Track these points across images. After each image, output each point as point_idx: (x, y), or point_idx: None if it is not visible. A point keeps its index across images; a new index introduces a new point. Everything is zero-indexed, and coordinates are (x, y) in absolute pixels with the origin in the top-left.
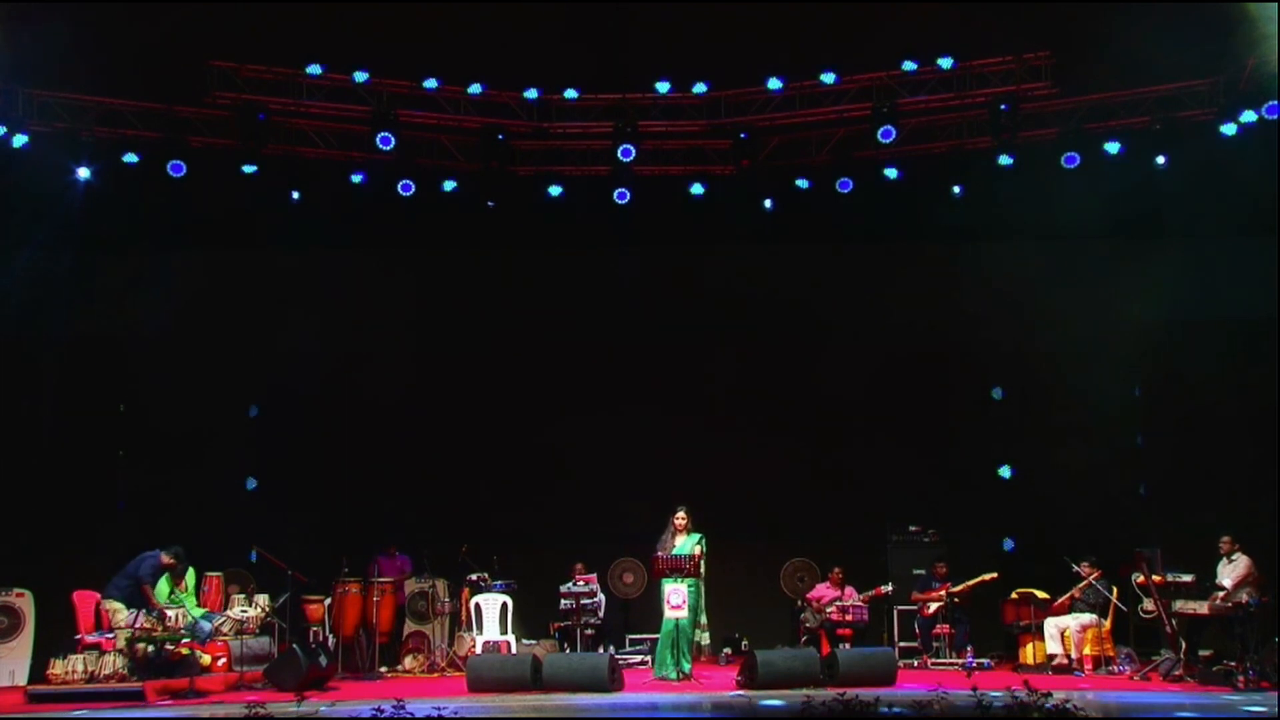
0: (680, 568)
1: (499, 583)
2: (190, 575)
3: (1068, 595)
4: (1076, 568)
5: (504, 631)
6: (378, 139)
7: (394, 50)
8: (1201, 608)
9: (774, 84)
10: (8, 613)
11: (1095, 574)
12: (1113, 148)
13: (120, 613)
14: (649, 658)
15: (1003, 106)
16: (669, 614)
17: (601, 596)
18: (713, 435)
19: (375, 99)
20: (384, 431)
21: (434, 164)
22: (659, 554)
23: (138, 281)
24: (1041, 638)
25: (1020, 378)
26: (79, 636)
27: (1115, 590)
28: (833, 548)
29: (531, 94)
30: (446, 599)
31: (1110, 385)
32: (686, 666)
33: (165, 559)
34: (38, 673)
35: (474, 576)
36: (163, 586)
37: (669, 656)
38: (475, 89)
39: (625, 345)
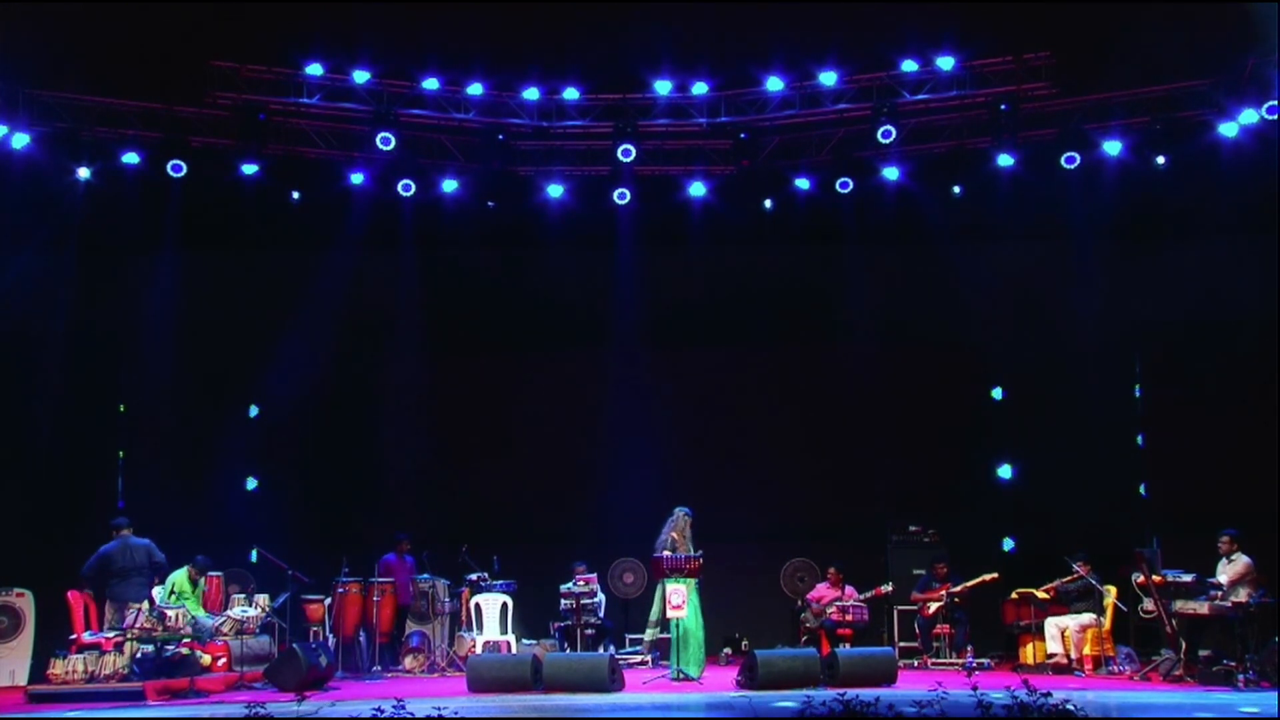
0: (681, 568)
1: (499, 583)
2: (183, 574)
3: (1053, 584)
4: (1076, 566)
5: (504, 631)
6: (378, 139)
7: (394, 50)
8: (1201, 608)
9: (774, 84)
10: (8, 613)
11: (1086, 568)
12: (1113, 148)
13: (144, 609)
14: (649, 658)
15: (1003, 106)
16: (670, 614)
17: (601, 596)
18: (713, 434)
19: (375, 99)
20: (384, 431)
21: (434, 164)
22: (663, 554)
23: (138, 281)
24: (1041, 638)
25: (1020, 378)
26: (74, 636)
27: (1115, 590)
28: (833, 548)
29: (531, 94)
30: (446, 599)
31: (1110, 385)
32: (692, 671)
33: (117, 533)
34: (38, 673)
35: (474, 576)
36: (185, 586)
37: (673, 658)
38: (475, 89)
39: (624, 344)
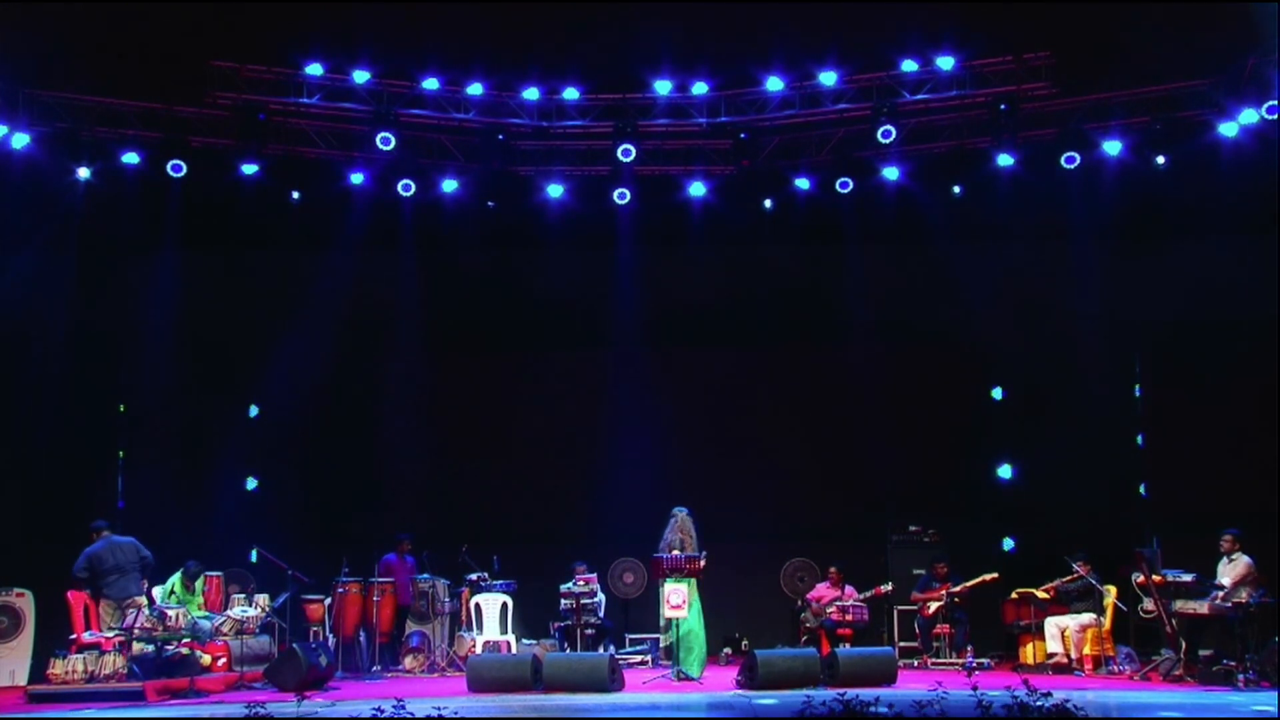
0: (681, 568)
1: (499, 583)
2: (178, 578)
3: (1053, 584)
4: (1076, 566)
5: (504, 631)
6: (378, 139)
7: (394, 50)
8: (1201, 607)
9: (774, 84)
10: (8, 613)
11: (1086, 568)
12: (1113, 148)
13: (145, 606)
14: (649, 658)
15: (1003, 106)
16: (668, 613)
17: (601, 596)
18: (713, 435)
19: (375, 99)
20: (384, 431)
21: (434, 164)
22: (664, 554)
23: (138, 281)
24: (1041, 638)
25: (1020, 378)
26: (74, 636)
27: (1115, 590)
28: (833, 548)
29: (531, 94)
30: (446, 599)
31: (1110, 385)
32: (692, 671)
33: (98, 535)
34: (38, 673)
35: (474, 576)
36: (181, 594)
37: (674, 657)
38: (475, 89)
39: (624, 344)
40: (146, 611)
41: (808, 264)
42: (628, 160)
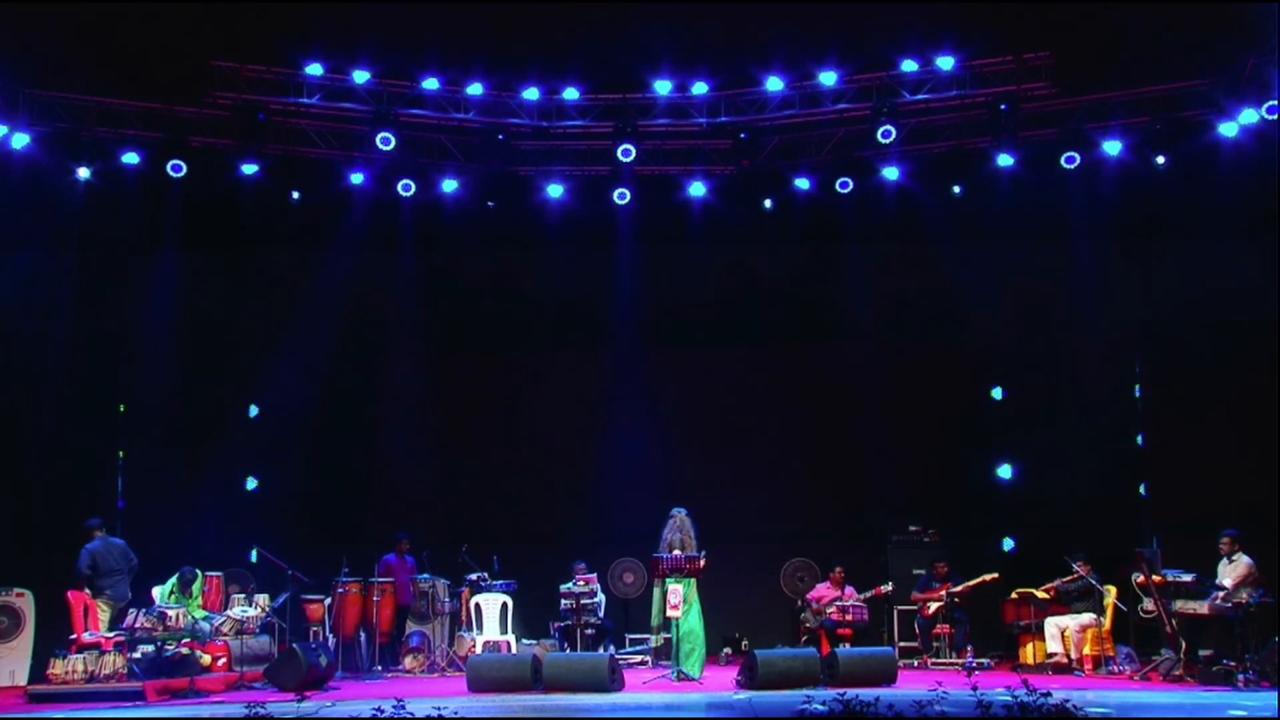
0: (681, 568)
1: (499, 583)
2: (174, 582)
3: (1053, 584)
4: (1076, 566)
5: (504, 631)
6: (378, 139)
7: (394, 50)
8: (1201, 608)
9: (774, 84)
10: (8, 613)
11: (1086, 568)
12: (1113, 148)
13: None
14: (649, 658)
15: (1003, 106)
16: (668, 613)
17: (601, 596)
18: (713, 435)
19: (375, 99)
20: (384, 431)
21: (434, 164)
22: (663, 554)
23: (138, 281)
24: (1041, 638)
25: (1020, 378)
26: (74, 636)
27: (1115, 590)
28: (833, 548)
29: (531, 94)
30: (446, 599)
31: (1110, 385)
32: (691, 670)
33: (95, 534)
34: (38, 673)
35: (474, 576)
36: (180, 599)
37: (673, 657)
38: (475, 89)
39: (624, 344)
40: (145, 611)
41: (808, 264)
42: (628, 160)
